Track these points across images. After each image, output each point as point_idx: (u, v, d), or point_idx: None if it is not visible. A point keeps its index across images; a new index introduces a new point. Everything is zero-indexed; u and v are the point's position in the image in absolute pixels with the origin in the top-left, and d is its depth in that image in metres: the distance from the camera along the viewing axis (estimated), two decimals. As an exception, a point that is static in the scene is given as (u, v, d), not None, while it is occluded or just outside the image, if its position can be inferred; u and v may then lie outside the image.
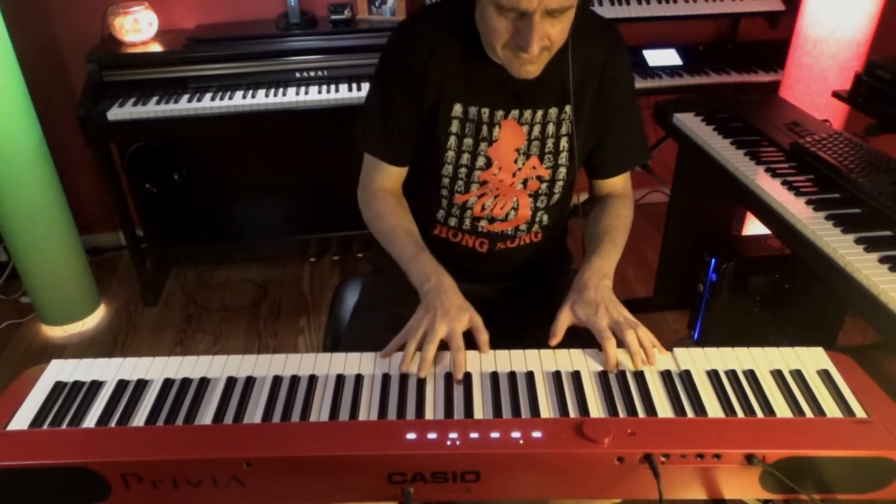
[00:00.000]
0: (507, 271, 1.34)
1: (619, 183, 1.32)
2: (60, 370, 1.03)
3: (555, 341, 1.07)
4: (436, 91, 1.18)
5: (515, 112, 1.19)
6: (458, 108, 1.19)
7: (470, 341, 1.08)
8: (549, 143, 1.22)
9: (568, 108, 1.20)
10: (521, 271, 1.35)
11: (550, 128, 1.21)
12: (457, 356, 1.02)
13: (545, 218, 1.30)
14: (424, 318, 1.06)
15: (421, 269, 1.16)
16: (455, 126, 1.20)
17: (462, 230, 1.29)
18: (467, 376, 1.00)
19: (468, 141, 1.21)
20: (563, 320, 1.09)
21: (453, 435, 0.87)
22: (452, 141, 1.21)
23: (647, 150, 1.32)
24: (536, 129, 1.21)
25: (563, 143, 1.22)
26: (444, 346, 1.07)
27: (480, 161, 1.22)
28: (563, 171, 1.24)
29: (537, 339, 1.10)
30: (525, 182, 1.24)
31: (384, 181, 1.28)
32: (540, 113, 1.19)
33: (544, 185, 1.25)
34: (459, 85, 1.18)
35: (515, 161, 1.22)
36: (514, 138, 1.21)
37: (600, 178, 1.32)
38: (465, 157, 1.22)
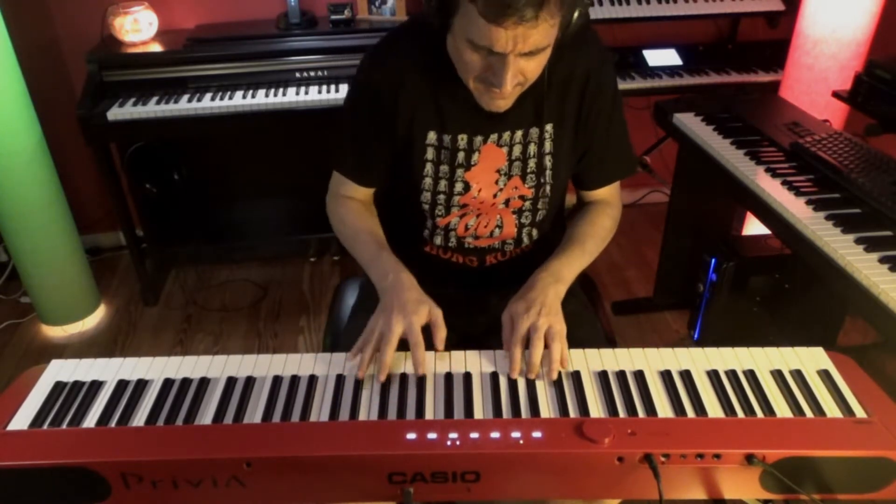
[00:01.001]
0: (504, 280, 1.32)
1: (604, 193, 1.30)
2: (60, 370, 1.03)
3: (508, 347, 1.05)
4: (408, 120, 1.17)
5: (494, 136, 1.17)
6: (432, 136, 1.17)
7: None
8: (531, 164, 1.19)
9: (549, 127, 1.17)
10: (519, 279, 1.34)
11: (532, 148, 1.18)
12: (415, 353, 1.01)
13: (534, 232, 1.28)
14: (380, 319, 1.05)
15: (380, 268, 1.14)
16: (430, 153, 1.18)
17: (449, 248, 1.29)
18: (467, 376, 1.00)
19: (444, 168, 1.19)
20: (503, 322, 1.08)
21: (453, 435, 0.87)
22: (429, 168, 1.19)
23: (632, 162, 1.29)
24: (517, 150, 1.18)
25: (546, 161, 1.20)
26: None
27: (458, 186, 1.20)
28: (547, 188, 1.22)
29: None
30: (507, 202, 1.22)
31: (352, 194, 1.28)
32: (519, 133, 1.17)
33: (528, 203, 1.23)
34: (432, 113, 1.16)
35: (496, 182, 1.20)
36: (494, 160, 1.19)
37: (585, 189, 1.30)
38: (443, 184, 1.20)
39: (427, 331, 1.04)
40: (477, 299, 1.33)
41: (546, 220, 1.28)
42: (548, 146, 1.19)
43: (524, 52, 0.96)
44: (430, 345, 1.06)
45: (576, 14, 1.00)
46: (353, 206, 1.28)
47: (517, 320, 1.05)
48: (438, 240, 1.28)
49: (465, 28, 0.97)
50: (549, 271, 1.13)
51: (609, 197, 1.30)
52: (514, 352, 1.01)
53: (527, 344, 1.03)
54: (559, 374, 1.00)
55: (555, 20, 0.95)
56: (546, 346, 1.02)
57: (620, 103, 1.23)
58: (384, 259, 1.16)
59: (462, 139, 1.17)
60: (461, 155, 1.18)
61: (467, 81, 1.05)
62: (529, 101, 1.13)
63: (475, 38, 0.96)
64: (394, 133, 1.18)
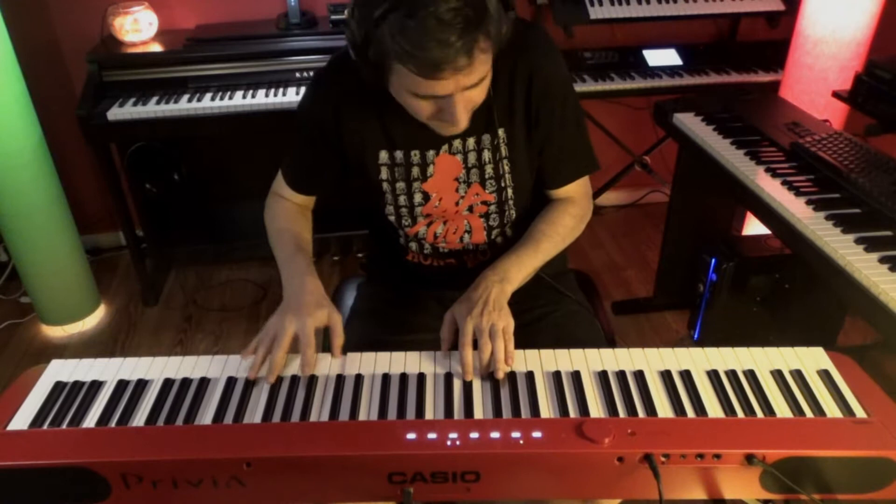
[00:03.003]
0: None
1: (568, 191, 1.26)
2: (60, 370, 1.03)
3: (445, 347, 1.05)
4: (356, 144, 1.17)
5: (446, 146, 1.16)
6: (384, 156, 1.17)
7: (472, 342, 1.07)
8: (489, 169, 1.18)
9: (501, 132, 1.16)
10: None
11: (486, 154, 1.17)
12: (304, 352, 1.01)
13: (508, 231, 1.27)
14: (276, 320, 1.05)
15: (290, 269, 1.15)
16: (384, 172, 1.19)
17: (426, 254, 1.29)
18: (467, 376, 1.00)
19: (401, 184, 1.19)
20: (445, 319, 1.07)
21: (453, 435, 0.87)
22: (386, 186, 1.20)
23: (592, 159, 1.25)
24: (472, 157, 1.17)
25: (504, 166, 1.18)
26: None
27: (418, 198, 1.20)
28: (509, 191, 1.21)
29: (537, 339, 1.09)
30: (471, 208, 1.22)
31: (290, 197, 1.29)
32: (472, 140, 1.16)
33: (493, 207, 1.22)
34: (380, 133, 1.15)
35: (456, 190, 1.20)
36: (451, 170, 1.18)
37: (546, 189, 1.27)
38: (403, 199, 1.20)
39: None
40: None
41: (519, 219, 1.26)
42: (503, 150, 1.17)
43: (467, 87, 0.97)
44: (432, 346, 1.07)
45: (504, 29, 0.98)
46: (287, 206, 1.29)
47: (461, 322, 1.04)
48: (414, 247, 1.28)
49: (404, 84, 0.97)
50: (496, 270, 1.12)
51: (573, 194, 1.27)
52: (464, 355, 1.00)
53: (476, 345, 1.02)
54: (560, 373, 1.00)
55: (488, 51, 0.95)
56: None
57: (573, 100, 1.19)
58: (296, 261, 1.16)
59: (415, 155, 1.17)
60: (416, 170, 1.18)
61: (420, 120, 1.05)
62: (478, 109, 1.10)
63: (417, 90, 0.97)
64: (342, 156, 1.19)
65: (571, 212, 1.25)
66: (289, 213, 1.28)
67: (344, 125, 1.15)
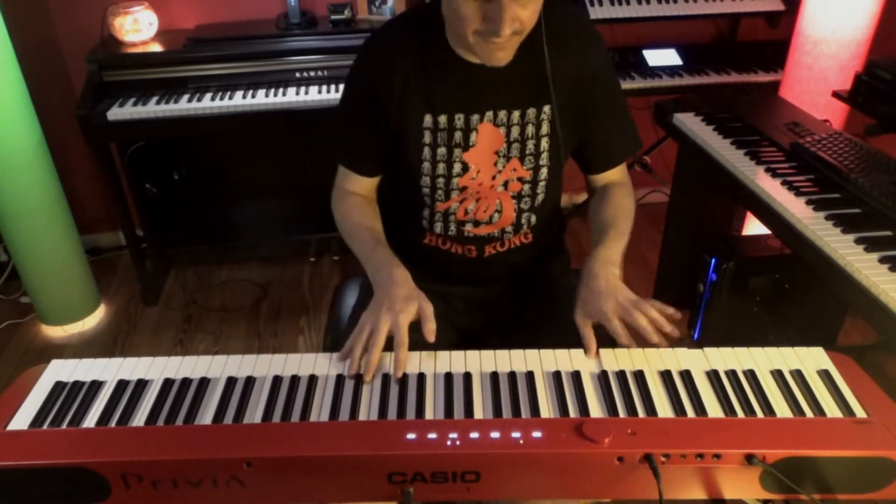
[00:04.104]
0: (503, 274, 1.33)
1: (614, 175, 1.32)
2: (60, 370, 1.03)
3: (591, 355, 1.05)
4: (402, 105, 1.17)
5: (490, 113, 1.17)
6: (428, 119, 1.18)
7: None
8: (530, 145, 1.20)
9: (547, 108, 1.18)
10: (517, 273, 1.34)
11: (530, 129, 1.19)
12: (398, 353, 1.01)
13: (533, 218, 1.28)
14: (370, 316, 1.06)
15: (375, 262, 1.16)
16: (427, 137, 1.19)
17: (448, 237, 1.29)
18: (467, 376, 1.00)
19: (442, 150, 1.19)
20: (581, 324, 1.09)
21: (453, 435, 0.87)
22: (426, 152, 1.20)
23: (637, 138, 1.31)
24: (515, 131, 1.19)
25: (544, 143, 1.21)
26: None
27: (457, 168, 1.21)
28: (544, 171, 1.23)
29: (537, 339, 1.09)
30: (506, 184, 1.23)
31: (355, 188, 1.30)
32: (517, 113, 1.18)
33: (526, 187, 1.24)
34: (426, 95, 1.16)
35: (495, 164, 1.21)
36: (493, 141, 1.19)
37: (594, 173, 1.31)
38: (441, 167, 1.21)
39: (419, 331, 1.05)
40: (476, 297, 1.33)
41: (544, 206, 1.28)
42: (545, 128, 1.20)
43: None
44: (429, 346, 1.06)
45: None
46: (354, 201, 1.29)
47: (601, 312, 1.06)
48: (438, 227, 1.28)
49: None
50: (599, 260, 1.14)
51: (619, 177, 1.32)
52: (615, 328, 1.03)
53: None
54: (560, 373, 1.00)
55: None
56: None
57: (618, 84, 1.25)
58: (379, 254, 1.17)
59: (459, 119, 1.17)
60: (458, 135, 1.18)
61: (466, 37, 1.05)
62: (527, 81, 1.14)
63: None
64: (388, 120, 1.19)
65: (626, 192, 1.30)
66: (358, 207, 1.29)
67: (394, 83, 1.16)
